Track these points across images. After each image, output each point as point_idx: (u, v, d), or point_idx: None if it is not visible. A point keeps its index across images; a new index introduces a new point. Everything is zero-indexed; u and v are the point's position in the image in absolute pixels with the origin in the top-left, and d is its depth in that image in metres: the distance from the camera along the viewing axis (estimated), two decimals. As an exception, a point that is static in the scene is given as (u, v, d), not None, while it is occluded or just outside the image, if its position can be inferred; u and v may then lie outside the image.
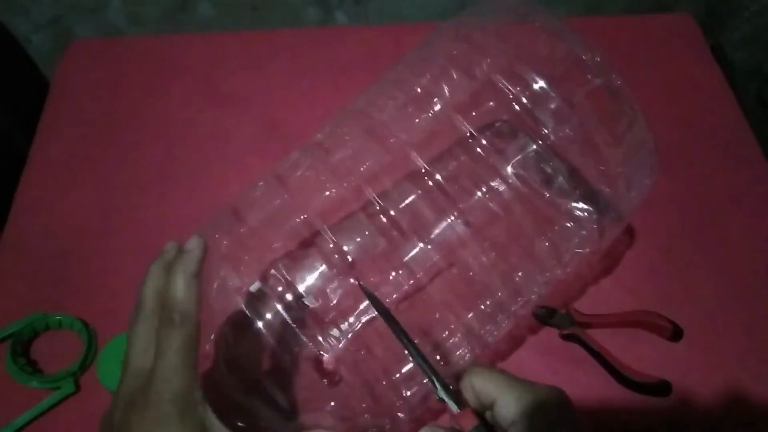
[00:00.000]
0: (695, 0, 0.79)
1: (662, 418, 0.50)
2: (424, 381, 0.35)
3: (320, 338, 0.40)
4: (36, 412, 0.49)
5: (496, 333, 0.44)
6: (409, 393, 0.41)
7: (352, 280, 0.41)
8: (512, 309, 0.44)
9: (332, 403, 0.41)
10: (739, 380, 0.51)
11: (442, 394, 0.33)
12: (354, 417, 0.40)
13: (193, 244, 0.33)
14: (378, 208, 0.43)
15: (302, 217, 0.43)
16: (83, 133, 0.66)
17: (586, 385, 0.51)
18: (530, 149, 0.44)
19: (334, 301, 0.42)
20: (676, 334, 0.52)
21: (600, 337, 0.52)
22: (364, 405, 0.40)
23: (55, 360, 0.52)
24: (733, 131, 0.66)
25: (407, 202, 0.44)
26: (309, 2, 0.75)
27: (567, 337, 0.52)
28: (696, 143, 0.65)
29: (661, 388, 0.50)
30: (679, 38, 0.74)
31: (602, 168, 0.44)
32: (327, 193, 0.43)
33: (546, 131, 0.42)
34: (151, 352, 0.31)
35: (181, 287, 0.31)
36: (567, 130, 0.42)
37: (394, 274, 0.43)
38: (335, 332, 0.41)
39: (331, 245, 0.42)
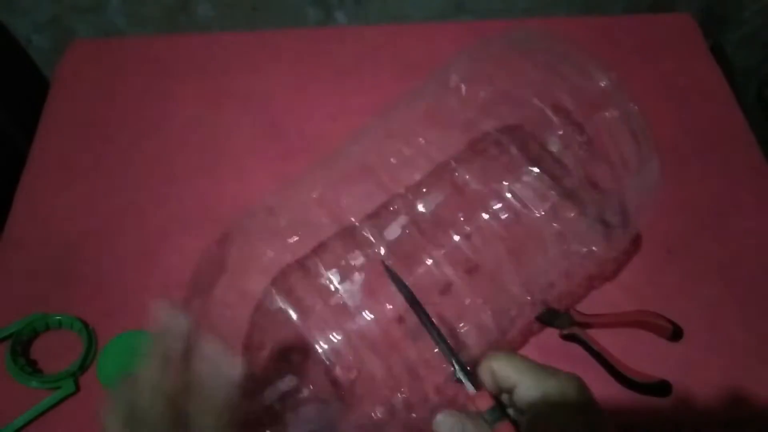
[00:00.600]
0: (695, 0, 0.79)
1: (662, 418, 0.50)
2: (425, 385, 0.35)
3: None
4: (36, 412, 0.49)
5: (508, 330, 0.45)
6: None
7: (383, 261, 0.41)
8: (521, 312, 0.45)
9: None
10: (739, 380, 0.51)
11: (460, 374, 0.34)
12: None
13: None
14: (412, 206, 0.44)
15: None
16: (83, 133, 0.66)
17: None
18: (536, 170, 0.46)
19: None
20: (676, 334, 0.52)
21: (600, 337, 0.52)
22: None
23: (55, 360, 0.52)
24: (733, 131, 0.66)
25: (438, 201, 0.45)
26: (309, 2, 0.76)
27: (567, 337, 0.52)
28: (696, 143, 0.65)
29: (661, 388, 0.50)
30: (679, 38, 0.74)
31: (610, 185, 0.45)
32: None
33: (555, 150, 0.44)
34: None
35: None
36: (577, 150, 0.44)
37: (428, 264, 0.44)
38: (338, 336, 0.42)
39: (373, 239, 0.43)
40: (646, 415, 0.50)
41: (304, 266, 0.43)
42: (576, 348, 0.52)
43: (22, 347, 0.52)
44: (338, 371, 0.41)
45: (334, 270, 0.42)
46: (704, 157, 0.64)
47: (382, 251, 0.43)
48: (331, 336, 0.41)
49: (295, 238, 0.43)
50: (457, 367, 0.34)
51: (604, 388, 0.51)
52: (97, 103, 0.68)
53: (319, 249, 0.44)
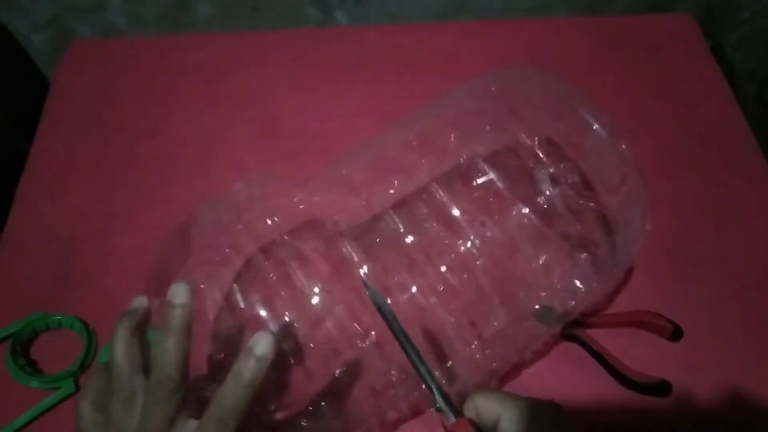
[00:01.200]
0: (695, 0, 0.79)
1: (662, 418, 0.50)
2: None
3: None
4: (36, 412, 0.49)
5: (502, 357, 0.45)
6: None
7: (364, 276, 0.41)
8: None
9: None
10: (739, 380, 0.51)
11: (440, 402, 0.33)
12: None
13: (261, 349, 0.30)
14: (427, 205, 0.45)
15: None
16: (83, 133, 0.66)
17: (586, 385, 0.51)
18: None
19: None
20: (676, 334, 0.52)
21: (600, 337, 0.52)
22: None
23: (55, 360, 0.52)
24: (733, 131, 0.66)
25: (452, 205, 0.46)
26: (309, 2, 0.75)
27: (567, 337, 0.52)
28: (696, 143, 0.65)
29: (661, 388, 0.50)
30: (679, 38, 0.74)
31: (598, 226, 0.46)
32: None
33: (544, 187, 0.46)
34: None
35: (243, 397, 0.30)
36: (566, 189, 0.46)
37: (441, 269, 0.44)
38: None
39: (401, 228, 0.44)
40: (646, 415, 0.50)
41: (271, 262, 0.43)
42: (576, 348, 0.52)
43: (22, 347, 0.52)
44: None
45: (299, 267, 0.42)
46: (704, 157, 0.64)
47: (364, 271, 0.42)
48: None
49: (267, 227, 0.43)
50: (437, 394, 0.34)
51: (604, 388, 0.51)
52: (97, 103, 0.68)
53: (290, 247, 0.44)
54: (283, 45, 0.73)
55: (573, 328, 0.52)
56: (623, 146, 0.44)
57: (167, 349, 0.31)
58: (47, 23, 0.75)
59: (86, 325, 0.53)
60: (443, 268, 0.44)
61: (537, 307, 0.52)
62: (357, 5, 0.76)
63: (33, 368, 0.52)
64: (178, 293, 0.31)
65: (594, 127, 0.44)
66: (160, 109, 0.68)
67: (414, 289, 0.44)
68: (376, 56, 0.72)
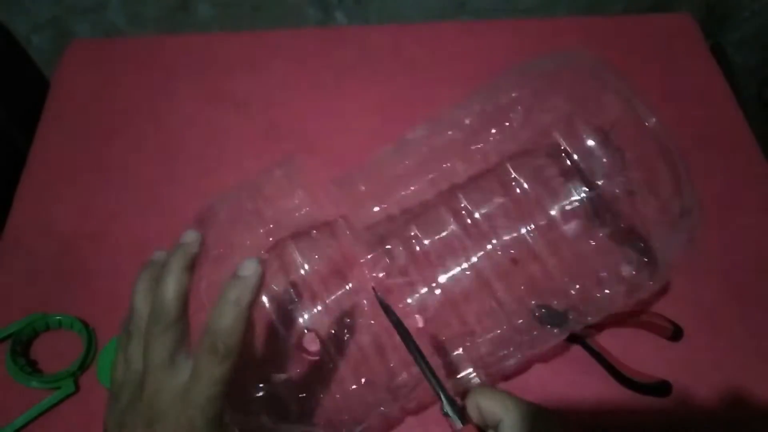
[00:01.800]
0: (695, 0, 0.79)
1: (662, 418, 0.50)
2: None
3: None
4: (36, 412, 0.49)
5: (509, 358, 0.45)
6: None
7: (373, 289, 0.40)
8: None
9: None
10: (739, 380, 0.51)
11: (447, 408, 0.34)
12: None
13: (247, 271, 0.31)
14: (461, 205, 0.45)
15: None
16: (83, 133, 0.66)
17: (586, 385, 0.51)
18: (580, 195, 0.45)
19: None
20: (676, 334, 0.52)
21: (600, 337, 0.52)
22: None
23: (55, 360, 0.52)
24: (733, 131, 0.66)
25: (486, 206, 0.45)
26: (309, 2, 0.75)
27: (567, 337, 0.52)
28: (696, 143, 0.65)
29: (661, 388, 0.50)
30: (679, 38, 0.74)
31: (646, 226, 0.45)
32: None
33: (596, 183, 0.44)
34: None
35: (230, 318, 0.30)
36: (615, 189, 0.44)
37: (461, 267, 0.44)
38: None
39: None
40: (646, 415, 0.50)
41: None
42: (576, 348, 0.52)
43: (22, 347, 0.52)
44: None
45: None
46: (704, 157, 0.64)
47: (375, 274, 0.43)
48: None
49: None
50: (444, 401, 0.34)
51: (604, 388, 0.51)
52: (97, 103, 0.68)
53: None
54: (283, 45, 0.73)
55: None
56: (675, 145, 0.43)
57: (165, 284, 0.31)
58: (47, 23, 0.75)
59: (86, 325, 0.53)
60: (460, 267, 0.44)
61: (537, 308, 0.53)
62: (357, 5, 0.76)
63: (33, 368, 0.52)
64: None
65: (650, 123, 0.43)
66: (160, 109, 0.68)
67: (428, 288, 0.44)
68: (376, 56, 0.72)
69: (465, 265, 0.44)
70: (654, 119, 0.43)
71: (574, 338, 0.52)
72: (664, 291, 0.55)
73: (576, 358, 0.52)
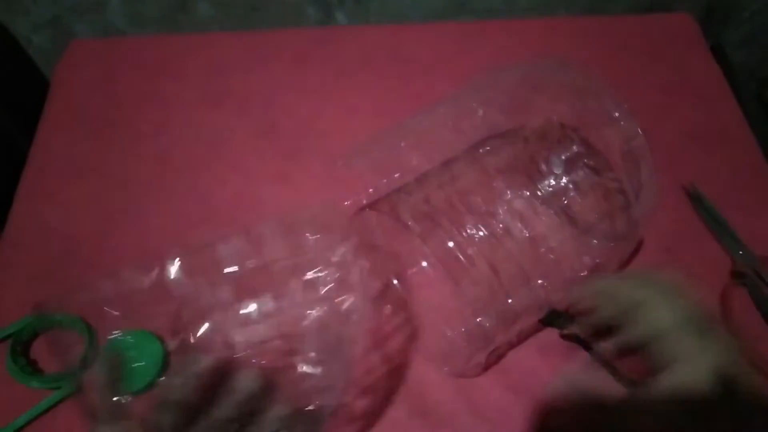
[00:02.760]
0: (695, 0, 0.79)
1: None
2: None
3: None
4: (36, 412, 0.49)
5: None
6: None
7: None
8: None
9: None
10: (739, 380, 0.51)
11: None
12: None
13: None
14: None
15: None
16: (83, 133, 0.66)
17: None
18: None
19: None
20: (676, 334, 0.52)
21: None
22: None
23: (55, 360, 0.52)
24: (733, 131, 0.66)
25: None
26: (309, 2, 0.75)
27: (567, 337, 0.52)
28: (696, 143, 0.65)
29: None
30: (679, 38, 0.74)
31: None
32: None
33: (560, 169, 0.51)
34: None
35: None
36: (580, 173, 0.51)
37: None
38: None
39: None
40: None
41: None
42: (576, 347, 0.52)
43: (22, 347, 0.52)
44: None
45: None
46: (704, 157, 0.64)
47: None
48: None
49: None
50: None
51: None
52: (97, 103, 0.68)
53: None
54: (283, 45, 0.73)
55: (573, 328, 0.52)
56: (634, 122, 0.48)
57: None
58: (47, 23, 0.75)
59: (87, 324, 0.53)
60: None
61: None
62: (357, 5, 0.76)
63: (33, 368, 0.52)
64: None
65: (614, 114, 0.48)
66: (160, 108, 0.68)
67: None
68: (376, 56, 0.72)
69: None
70: (619, 110, 0.48)
71: (574, 338, 0.52)
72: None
73: (576, 357, 0.52)
